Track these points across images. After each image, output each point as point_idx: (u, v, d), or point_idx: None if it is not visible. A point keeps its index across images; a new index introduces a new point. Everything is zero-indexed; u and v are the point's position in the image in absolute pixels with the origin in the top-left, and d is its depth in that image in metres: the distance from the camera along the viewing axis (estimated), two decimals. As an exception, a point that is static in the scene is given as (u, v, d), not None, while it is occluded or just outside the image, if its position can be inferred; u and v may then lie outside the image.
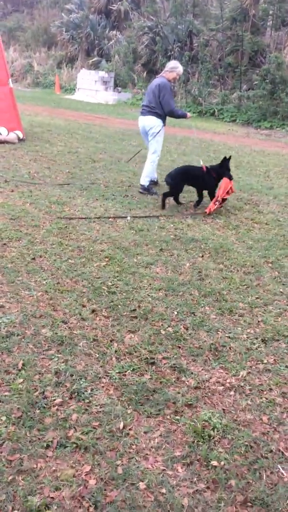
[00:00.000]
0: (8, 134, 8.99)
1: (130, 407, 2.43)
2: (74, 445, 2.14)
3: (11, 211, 5.15)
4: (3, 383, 2.48)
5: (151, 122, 6.41)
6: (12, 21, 30.97)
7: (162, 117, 6.41)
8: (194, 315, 3.40)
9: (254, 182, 7.68)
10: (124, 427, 2.28)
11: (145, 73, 21.68)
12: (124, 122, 14.24)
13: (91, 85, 20.97)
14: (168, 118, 6.50)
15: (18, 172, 6.87)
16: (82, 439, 2.18)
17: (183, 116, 6.57)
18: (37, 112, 14.43)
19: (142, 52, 21.75)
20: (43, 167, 7.41)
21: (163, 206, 5.97)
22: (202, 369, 2.80)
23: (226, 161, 6.00)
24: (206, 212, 5.79)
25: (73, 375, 2.61)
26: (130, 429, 2.28)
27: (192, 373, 2.75)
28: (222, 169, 5.97)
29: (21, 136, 9.24)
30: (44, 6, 31.28)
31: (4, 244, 4.29)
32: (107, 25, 25.60)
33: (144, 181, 6.62)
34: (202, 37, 19.07)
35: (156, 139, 6.46)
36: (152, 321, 3.27)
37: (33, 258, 4.09)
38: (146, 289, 3.73)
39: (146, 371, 2.73)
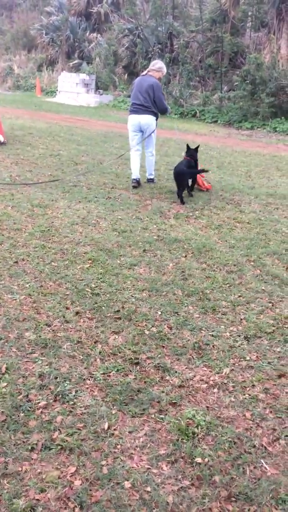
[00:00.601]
0: (-11, 137, 8.93)
1: (114, 407, 2.44)
2: (59, 447, 2.15)
3: (-8, 215, 5.13)
4: (-14, 388, 2.48)
5: (148, 121, 6.81)
6: (-9, 24, 30.78)
7: (157, 115, 6.93)
8: (177, 314, 3.43)
9: (235, 182, 7.75)
10: (108, 428, 2.29)
11: (126, 75, 21.73)
12: (106, 125, 14.25)
13: (72, 88, 20.92)
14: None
15: None
16: (67, 440, 2.18)
17: (169, 112, 7.40)
18: (18, 115, 14.36)
19: (123, 54, 21.81)
20: (25, 170, 7.38)
21: (182, 201, 6.37)
22: (186, 368, 2.83)
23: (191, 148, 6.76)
24: (208, 190, 7.04)
25: (57, 377, 2.61)
26: (114, 429, 2.29)
27: (176, 372, 2.77)
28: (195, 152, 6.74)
29: (1, 139, 9.18)
30: (24, 9, 31.11)
31: (-14, 248, 4.27)
32: (88, 27, 25.59)
33: (152, 174, 7.36)
34: (182, 38, 19.16)
35: (153, 135, 7.02)
36: (136, 321, 3.29)
37: (16, 262, 4.07)
38: (130, 290, 3.75)
39: (131, 371, 2.74)
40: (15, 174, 7.05)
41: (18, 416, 2.30)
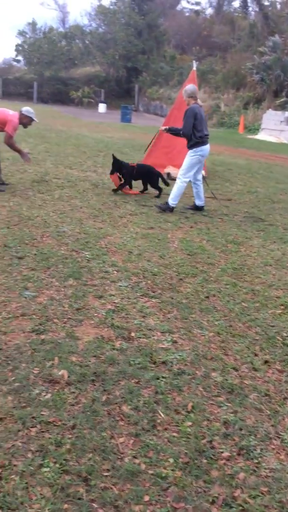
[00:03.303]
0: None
1: (303, 479, 2.20)
2: (240, 508, 2.00)
3: (189, 247, 5.28)
4: (172, 423, 2.46)
5: None
6: (206, 65, 32.66)
7: None
8: None
9: None
10: (295, 501, 2.07)
11: None
12: (308, 164, 13.75)
13: (276, 125, 20.89)
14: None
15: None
16: (249, 502, 2.02)
17: None
18: (219, 151, 14.79)
19: None
20: (221, 206, 7.49)
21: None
22: None
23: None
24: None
25: (242, 429, 2.47)
26: (302, 506, 2.05)
27: None
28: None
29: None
30: (238, 49, 32.38)
31: (181, 279, 4.39)
32: (299, 66, 25.35)
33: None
34: None
35: None
36: None
37: (207, 297, 4.09)
38: None
39: None
40: (212, 209, 7.21)
41: (201, 461, 2.22)
